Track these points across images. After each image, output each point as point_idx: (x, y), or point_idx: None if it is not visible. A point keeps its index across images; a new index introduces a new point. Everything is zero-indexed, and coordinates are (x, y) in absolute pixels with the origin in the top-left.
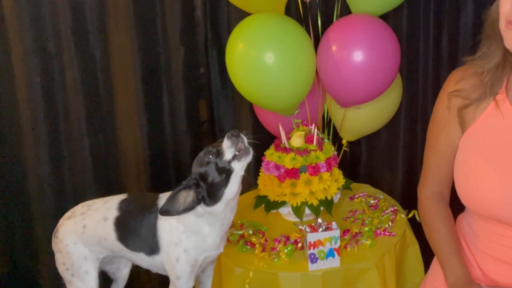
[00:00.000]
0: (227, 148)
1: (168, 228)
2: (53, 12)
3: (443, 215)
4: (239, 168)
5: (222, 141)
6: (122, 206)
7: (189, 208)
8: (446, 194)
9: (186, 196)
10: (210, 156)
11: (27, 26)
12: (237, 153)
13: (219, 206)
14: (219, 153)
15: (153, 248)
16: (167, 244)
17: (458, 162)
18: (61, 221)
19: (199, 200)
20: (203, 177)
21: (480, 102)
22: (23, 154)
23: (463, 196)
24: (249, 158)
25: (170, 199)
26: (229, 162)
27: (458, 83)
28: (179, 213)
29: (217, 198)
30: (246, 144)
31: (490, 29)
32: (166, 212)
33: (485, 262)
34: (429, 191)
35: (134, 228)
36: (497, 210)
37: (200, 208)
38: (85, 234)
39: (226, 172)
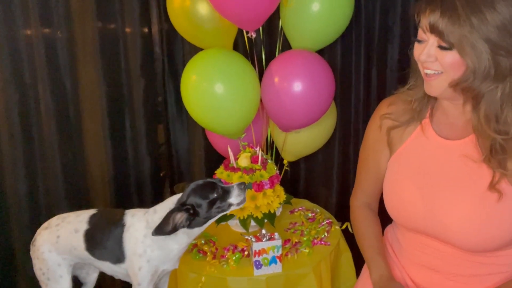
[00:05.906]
0: (236, 195)
1: (134, 241)
2: (29, 48)
3: (370, 221)
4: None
5: (217, 180)
6: (92, 220)
7: (177, 229)
8: (374, 205)
9: (178, 218)
10: (215, 195)
11: (6, 60)
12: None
13: (198, 231)
14: (224, 195)
15: (118, 258)
16: (131, 254)
17: (387, 181)
18: (39, 231)
19: (186, 224)
20: (199, 206)
21: (408, 125)
22: (2, 172)
23: (391, 210)
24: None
25: (164, 220)
26: (230, 205)
27: (389, 107)
28: (169, 232)
29: (200, 225)
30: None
31: (415, 64)
32: (158, 231)
33: (410, 268)
34: (359, 202)
35: (101, 240)
36: (419, 223)
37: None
38: (58, 243)
39: (220, 210)
